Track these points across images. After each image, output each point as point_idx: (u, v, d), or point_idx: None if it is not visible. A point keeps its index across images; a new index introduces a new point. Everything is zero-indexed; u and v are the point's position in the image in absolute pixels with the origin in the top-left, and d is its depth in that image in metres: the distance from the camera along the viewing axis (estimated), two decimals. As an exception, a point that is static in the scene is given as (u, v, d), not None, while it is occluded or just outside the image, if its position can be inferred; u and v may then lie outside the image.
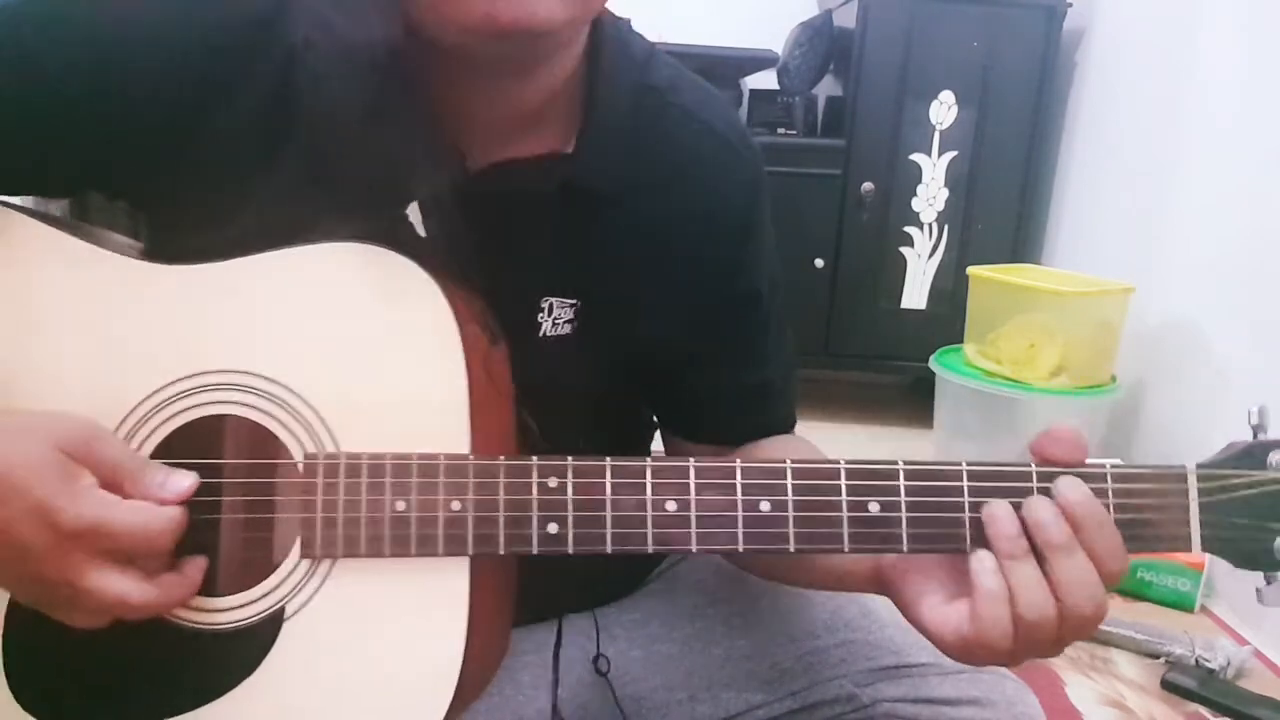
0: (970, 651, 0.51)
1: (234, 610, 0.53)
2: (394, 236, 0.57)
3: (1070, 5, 2.18)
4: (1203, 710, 1.29)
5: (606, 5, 0.60)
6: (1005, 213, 2.27)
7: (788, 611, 0.74)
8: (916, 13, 2.17)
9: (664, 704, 0.72)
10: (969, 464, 0.51)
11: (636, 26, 0.68)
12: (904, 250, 2.28)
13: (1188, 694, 1.31)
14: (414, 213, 0.59)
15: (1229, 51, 1.75)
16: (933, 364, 2.02)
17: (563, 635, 0.68)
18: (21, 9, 0.55)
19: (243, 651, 0.53)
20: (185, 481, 0.51)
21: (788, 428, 0.75)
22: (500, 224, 0.59)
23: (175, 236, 0.59)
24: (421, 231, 0.58)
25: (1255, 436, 0.52)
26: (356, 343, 0.54)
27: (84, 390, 0.54)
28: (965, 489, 0.51)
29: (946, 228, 2.27)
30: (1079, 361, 1.83)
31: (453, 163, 0.58)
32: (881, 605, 0.74)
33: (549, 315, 0.63)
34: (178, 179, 0.58)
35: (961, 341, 2.04)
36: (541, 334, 0.63)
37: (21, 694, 0.54)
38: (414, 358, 0.54)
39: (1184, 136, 1.85)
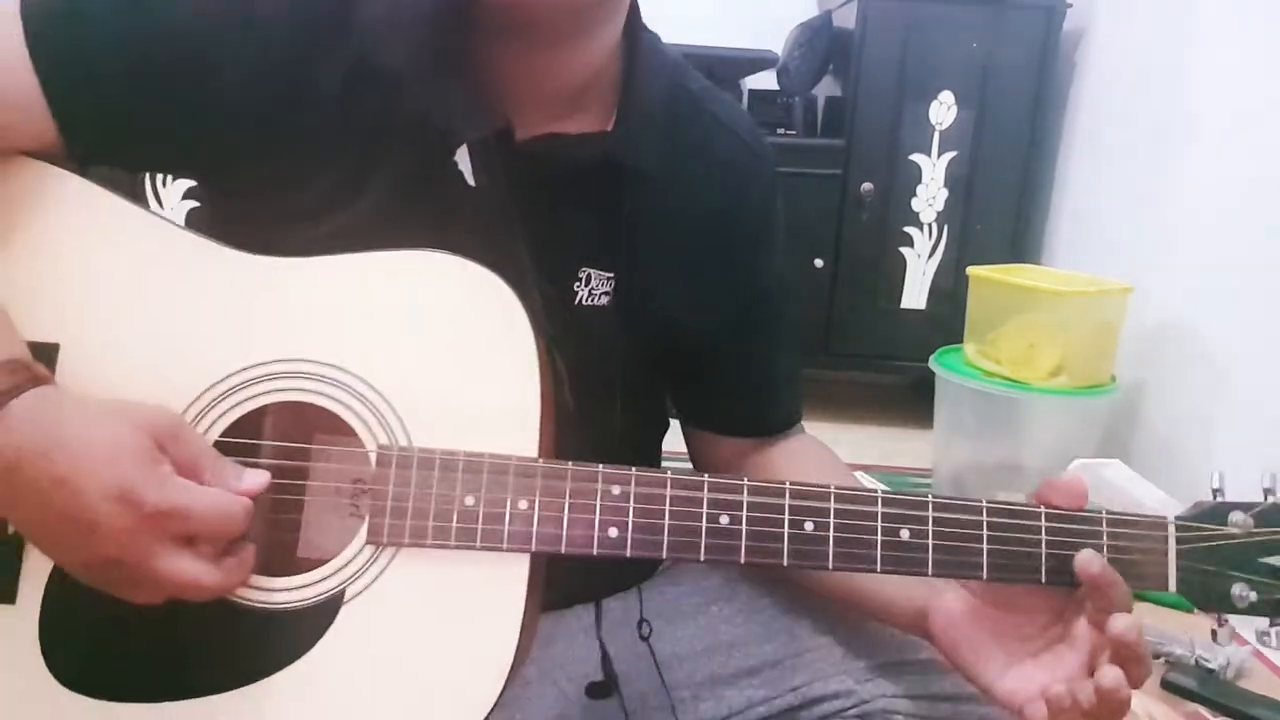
0: None
1: (294, 591, 0.55)
2: (444, 182, 0.62)
3: (1070, 5, 2.18)
4: (1202, 710, 1.29)
5: (639, 11, 0.67)
6: (1004, 213, 2.28)
7: (789, 610, 0.75)
8: (916, 13, 2.17)
9: (668, 703, 0.72)
10: (988, 502, 0.57)
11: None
12: (904, 250, 2.28)
13: (1187, 694, 1.31)
14: (464, 163, 0.62)
15: (1228, 52, 1.75)
16: (932, 364, 2.02)
17: (573, 626, 0.71)
18: None
19: (299, 631, 0.55)
20: (260, 478, 0.54)
21: (792, 424, 0.80)
22: (544, 192, 0.63)
23: (250, 209, 0.63)
24: (471, 181, 0.62)
25: (1215, 498, 0.58)
26: (437, 346, 0.56)
27: (165, 366, 0.56)
28: (985, 523, 0.57)
29: (946, 228, 2.27)
30: (1078, 362, 1.83)
31: (502, 128, 0.62)
32: None
33: (585, 285, 0.67)
34: (265, 154, 0.62)
35: (961, 341, 2.04)
36: (578, 302, 0.67)
37: (63, 672, 0.54)
38: (492, 367, 0.56)
39: (1183, 137, 1.85)
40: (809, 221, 2.24)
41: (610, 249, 0.67)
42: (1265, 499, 0.58)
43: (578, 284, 0.67)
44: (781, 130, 2.34)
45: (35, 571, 0.54)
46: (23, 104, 0.57)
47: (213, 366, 0.56)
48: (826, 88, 2.41)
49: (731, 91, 2.36)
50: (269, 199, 0.63)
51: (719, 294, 0.72)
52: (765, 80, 2.34)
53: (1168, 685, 1.32)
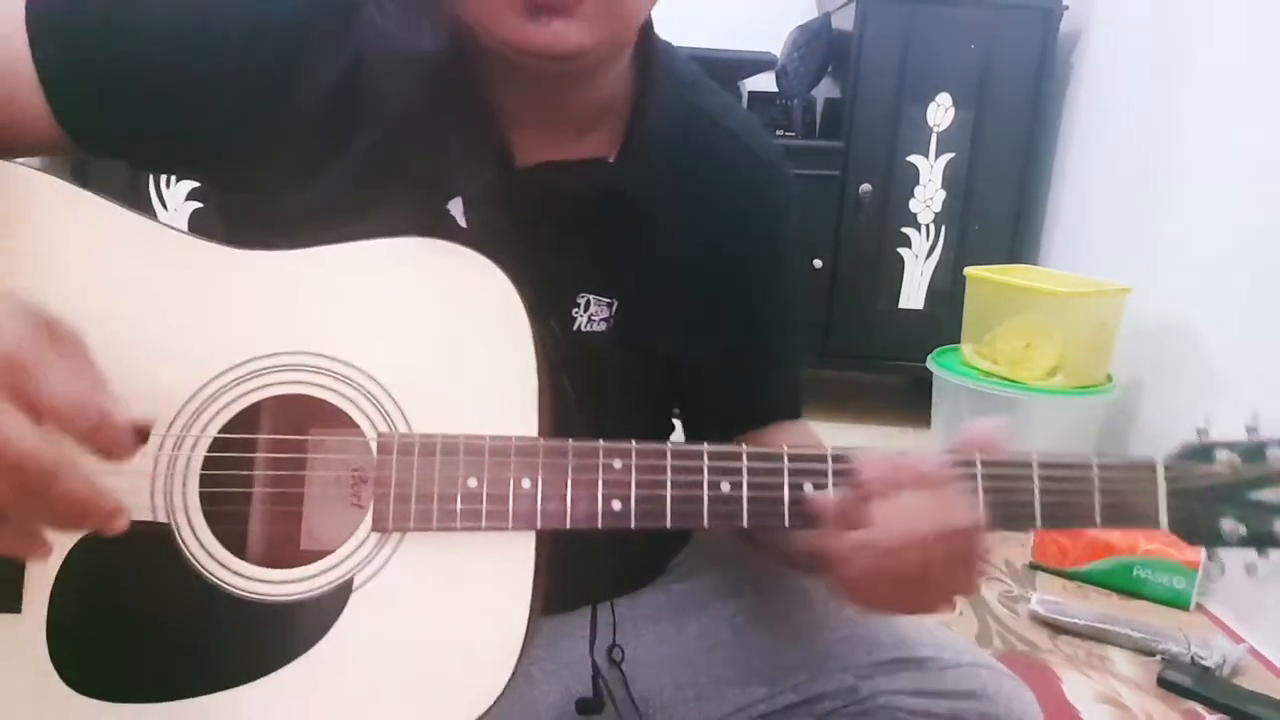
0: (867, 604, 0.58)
1: (301, 582, 0.55)
2: (434, 227, 0.61)
3: (1067, 8, 2.19)
4: (1198, 707, 1.30)
5: (652, 29, 0.66)
6: (1002, 214, 2.28)
7: (791, 608, 0.75)
8: (914, 15, 2.18)
9: (671, 702, 0.73)
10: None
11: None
12: (902, 251, 2.29)
13: (1184, 691, 1.32)
14: (456, 206, 0.62)
15: (1225, 53, 1.76)
16: (930, 364, 2.03)
17: (578, 627, 0.70)
18: None
19: (310, 621, 0.54)
20: (129, 413, 0.46)
21: (792, 415, 0.79)
22: (543, 219, 0.63)
23: (246, 219, 0.63)
24: (462, 223, 0.62)
25: (1200, 439, 0.61)
26: (430, 331, 0.57)
27: (163, 362, 0.56)
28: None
29: (944, 229, 2.28)
30: (1075, 362, 1.84)
31: (502, 157, 0.62)
32: None
33: (584, 311, 0.67)
34: (250, 158, 0.62)
35: (959, 342, 2.05)
36: (576, 328, 0.67)
37: (72, 676, 0.54)
38: (487, 348, 0.57)
39: (1180, 138, 1.86)
40: (808, 222, 2.24)
41: (610, 275, 0.67)
42: (1248, 437, 0.60)
43: (576, 310, 0.66)
44: (780, 132, 2.35)
45: (38, 580, 0.54)
46: (27, 99, 0.58)
47: (209, 363, 0.56)
48: (825, 89, 2.42)
49: (730, 93, 2.37)
50: (264, 199, 0.63)
51: (724, 320, 0.72)
52: (764, 82, 2.35)
53: (1164, 683, 1.33)
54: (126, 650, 0.55)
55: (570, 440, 0.56)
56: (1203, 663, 1.37)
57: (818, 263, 2.27)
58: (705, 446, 0.57)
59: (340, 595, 0.54)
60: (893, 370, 2.42)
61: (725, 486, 0.56)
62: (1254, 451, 0.59)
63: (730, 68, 2.31)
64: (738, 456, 0.56)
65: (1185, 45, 1.87)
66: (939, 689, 0.69)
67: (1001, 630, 1.48)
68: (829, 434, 0.80)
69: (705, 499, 0.56)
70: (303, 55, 0.60)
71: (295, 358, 0.56)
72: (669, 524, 0.56)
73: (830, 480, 0.57)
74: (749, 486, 0.56)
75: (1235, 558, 0.60)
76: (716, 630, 0.75)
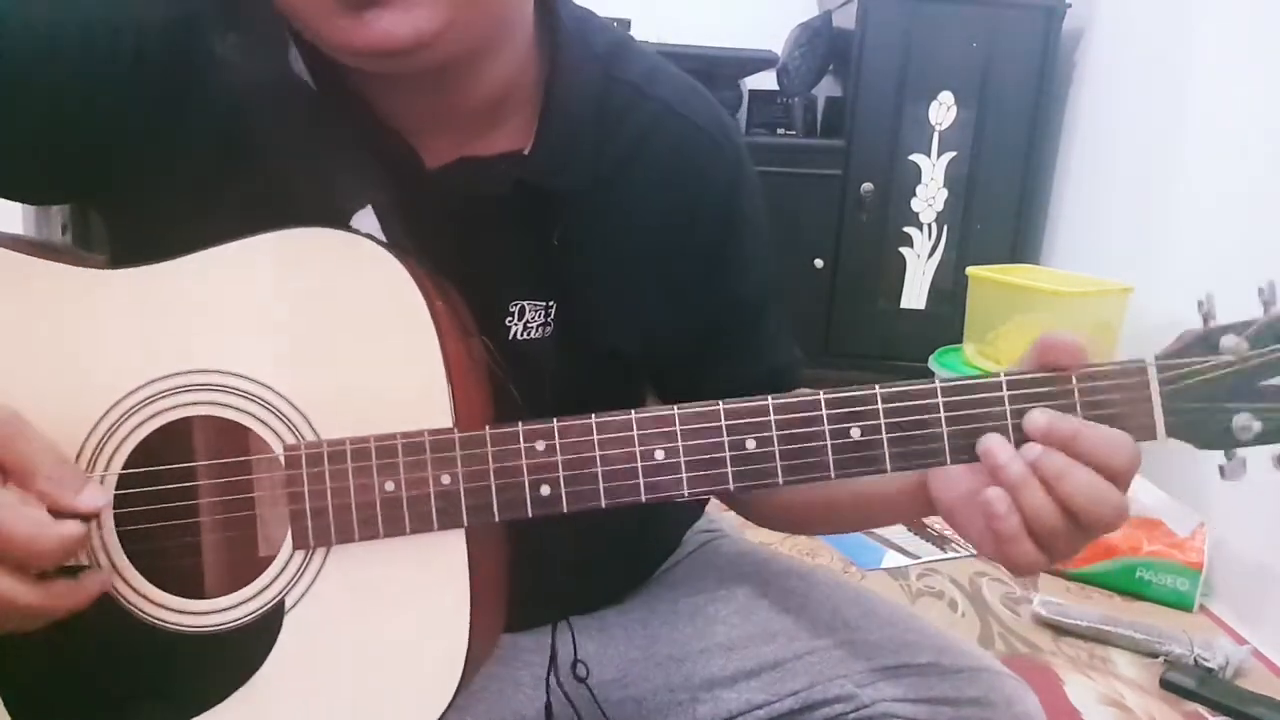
0: (1011, 567, 0.53)
1: (231, 610, 0.53)
2: None
3: (1069, 6, 2.18)
4: (1201, 709, 1.29)
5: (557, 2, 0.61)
6: (1004, 213, 2.28)
7: (788, 612, 0.74)
8: (916, 13, 2.17)
9: (665, 705, 0.72)
10: (942, 381, 0.52)
11: (638, 28, 0.70)
12: (903, 250, 2.29)
13: (1187, 693, 1.31)
14: (371, 222, 0.57)
15: (1227, 52, 1.75)
16: (932, 364, 2.02)
17: (557, 638, 0.69)
18: None
19: (246, 648, 0.53)
20: (96, 499, 0.49)
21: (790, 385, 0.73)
22: (462, 225, 0.59)
23: (135, 247, 0.58)
24: (383, 239, 0.57)
25: (1205, 324, 0.52)
26: (322, 328, 0.53)
27: (46, 405, 0.52)
28: (941, 405, 0.52)
29: (946, 228, 2.27)
30: (1078, 361, 1.83)
31: (409, 162, 0.57)
32: (881, 604, 0.75)
33: (519, 319, 0.62)
34: (130, 187, 0.58)
35: (961, 341, 2.04)
36: (512, 337, 0.62)
37: (19, 715, 0.53)
38: (383, 337, 0.52)
39: (1183, 137, 1.85)
40: (809, 221, 2.24)
41: (543, 277, 0.62)
42: (1265, 312, 0.51)
43: (509, 318, 0.62)
44: (781, 130, 2.34)
45: None
46: None
47: (102, 395, 0.53)
48: (826, 88, 2.41)
49: (731, 92, 2.36)
50: (158, 228, 0.57)
51: (680, 311, 0.67)
52: (765, 80, 2.34)
53: (1167, 684, 1.33)
54: (69, 693, 0.54)
55: (487, 427, 0.52)
56: (1206, 664, 1.36)
57: (819, 262, 2.27)
58: (633, 414, 0.52)
59: (274, 619, 0.52)
60: (894, 370, 2.41)
61: (660, 455, 0.52)
62: (1266, 331, 0.50)
63: (731, 66, 2.30)
64: (670, 420, 0.52)
65: (1188, 43, 1.86)
66: (940, 695, 0.68)
67: (1004, 632, 1.48)
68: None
69: (640, 470, 0.52)
70: (185, 75, 0.56)
71: (188, 378, 0.53)
72: (603, 503, 0.52)
73: (826, 426, 0.52)
74: (685, 450, 0.52)
75: (1262, 454, 0.52)
76: (710, 633, 0.74)
